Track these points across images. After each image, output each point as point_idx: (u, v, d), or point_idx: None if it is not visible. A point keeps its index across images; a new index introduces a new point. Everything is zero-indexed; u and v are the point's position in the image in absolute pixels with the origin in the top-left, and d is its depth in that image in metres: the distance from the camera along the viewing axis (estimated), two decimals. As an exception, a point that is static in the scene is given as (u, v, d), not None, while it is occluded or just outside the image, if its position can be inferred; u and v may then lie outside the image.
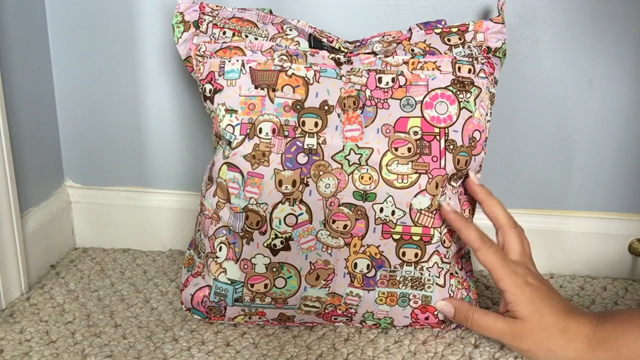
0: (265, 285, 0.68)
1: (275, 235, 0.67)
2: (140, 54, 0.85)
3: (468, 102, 0.68)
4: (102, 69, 0.87)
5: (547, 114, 0.84)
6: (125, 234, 0.93)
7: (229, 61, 0.68)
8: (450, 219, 0.66)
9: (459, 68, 0.68)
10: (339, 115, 0.66)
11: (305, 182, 0.66)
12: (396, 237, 0.67)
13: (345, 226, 0.66)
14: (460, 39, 0.71)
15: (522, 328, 0.63)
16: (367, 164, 0.66)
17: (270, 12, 0.73)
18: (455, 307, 0.68)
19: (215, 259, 0.69)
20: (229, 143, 0.67)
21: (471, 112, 0.68)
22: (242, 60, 0.68)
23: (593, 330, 0.60)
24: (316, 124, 0.66)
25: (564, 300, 0.65)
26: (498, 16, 0.72)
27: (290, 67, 0.67)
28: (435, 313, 0.70)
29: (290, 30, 0.71)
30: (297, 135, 0.66)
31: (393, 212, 0.66)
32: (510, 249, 0.67)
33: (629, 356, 0.58)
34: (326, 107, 0.66)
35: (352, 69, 0.68)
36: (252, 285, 0.68)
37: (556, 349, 0.61)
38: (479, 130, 0.68)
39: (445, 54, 0.70)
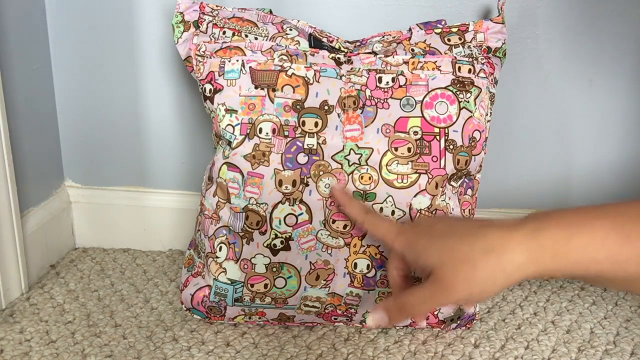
0: (265, 285, 0.68)
1: (275, 235, 0.67)
2: (140, 54, 0.85)
3: (468, 102, 0.68)
4: (102, 69, 0.87)
5: (547, 114, 0.84)
6: (125, 234, 0.93)
7: (229, 61, 0.68)
8: (335, 195, 0.65)
9: (459, 68, 0.68)
10: (339, 115, 0.66)
11: (305, 182, 0.66)
12: (396, 237, 0.67)
13: (345, 226, 0.66)
14: (460, 39, 0.71)
15: (443, 275, 0.50)
16: (367, 164, 0.66)
17: (270, 12, 0.73)
18: (384, 309, 0.54)
19: (215, 259, 0.69)
20: (229, 143, 0.67)
21: (471, 112, 0.68)
22: (242, 60, 0.68)
23: (530, 237, 0.49)
24: (316, 124, 0.66)
25: (470, 221, 0.55)
26: (498, 16, 0.72)
27: (290, 67, 0.67)
28: (435, 313, 0.70)
29: (290, 30, 0.70)
30: (297, 135, 0.66)
31: (393, 212, 0.66)
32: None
33: (578, 260, 0.47)
34: (326, 107, 0.66)
35: (352, 68, 0.68)
36: (252, 285, 0.68)
37: (489, 275, 0.49)
38: (479, 130, 0.68)
39: (445, 54, 0.69)
